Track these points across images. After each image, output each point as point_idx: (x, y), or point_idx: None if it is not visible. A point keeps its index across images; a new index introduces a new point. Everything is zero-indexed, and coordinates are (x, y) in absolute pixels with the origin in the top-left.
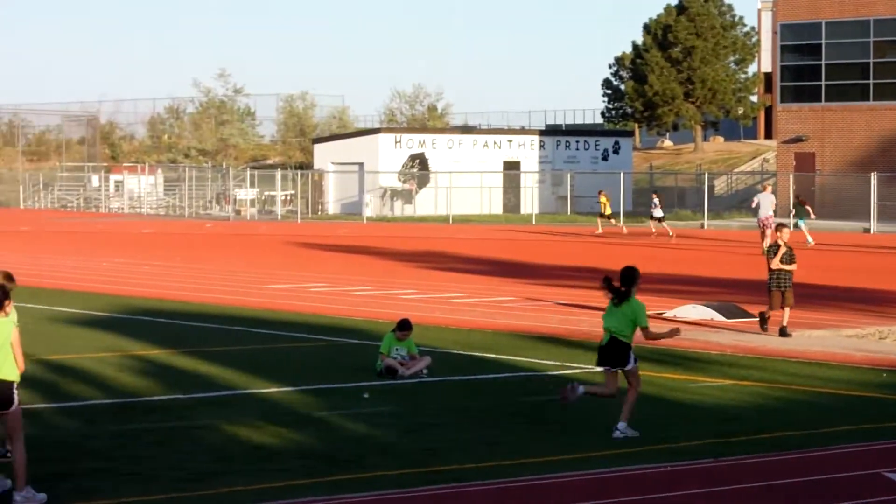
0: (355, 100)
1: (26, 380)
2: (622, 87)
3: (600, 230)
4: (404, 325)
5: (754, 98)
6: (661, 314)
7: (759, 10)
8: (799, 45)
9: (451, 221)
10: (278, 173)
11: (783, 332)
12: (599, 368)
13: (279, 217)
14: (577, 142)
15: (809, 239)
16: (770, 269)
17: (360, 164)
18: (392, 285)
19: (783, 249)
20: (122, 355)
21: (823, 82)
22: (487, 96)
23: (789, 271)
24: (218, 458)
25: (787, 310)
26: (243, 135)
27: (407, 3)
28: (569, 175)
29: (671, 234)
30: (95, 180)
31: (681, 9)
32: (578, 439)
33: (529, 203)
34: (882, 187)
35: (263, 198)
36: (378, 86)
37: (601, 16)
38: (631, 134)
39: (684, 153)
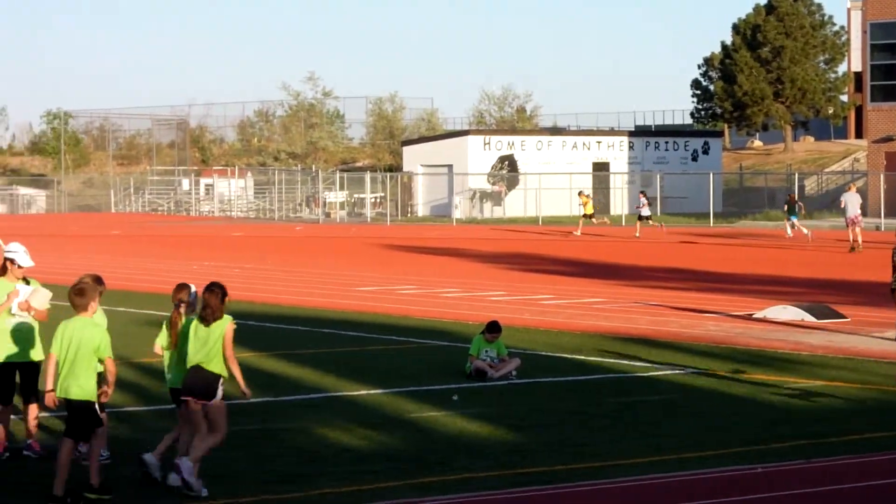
0: (444, 102)
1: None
2: (711, 87)
3: (579, 232)
4: (494, 327)
5: (844, 97)
6: (751, 315)
7: (849, 9)
8: (889, 43)
9: (540, 223)
10: (367, 176)
11: None
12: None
13: (369, 219)
14: (667, 142)
15: (803, 232)
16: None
17: (450, 167)
18: (481, 287)
19: None
20: None
21: None
22: (576, 98)
23: None
24: (307, 461)
25: None
26: (332, 138)
27: (496, 4)
28: (658, 176)
29: (663, 228)
30: (186, 184)
31: (770, 8)
32: (668, 441)
33: (619, 204)
34: None
35: (353, 200)
36: (467, 88)
37: (690, 16)
38: (720, 134)
39: (774, 153)
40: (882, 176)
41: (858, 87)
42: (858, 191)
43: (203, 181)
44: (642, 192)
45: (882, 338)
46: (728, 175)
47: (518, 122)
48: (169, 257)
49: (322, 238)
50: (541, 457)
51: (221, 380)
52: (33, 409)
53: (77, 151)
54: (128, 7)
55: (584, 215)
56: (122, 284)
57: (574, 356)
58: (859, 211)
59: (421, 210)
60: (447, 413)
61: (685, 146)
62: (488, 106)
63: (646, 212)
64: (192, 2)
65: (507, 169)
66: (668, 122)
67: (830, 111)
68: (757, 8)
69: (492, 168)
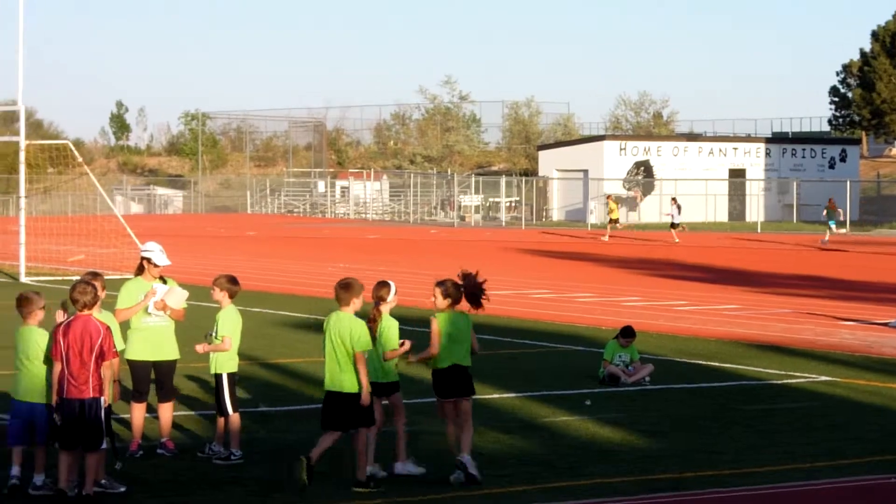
0: (580, 107)
1: (251, 382)
2: (849, 94)
3: (607, 237)
4: (628, 332)
5: None
6: (887, 323)
7: None
8: None
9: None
10: (503, 180)
11: None
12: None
13: (503, 223)
14: (804, 150)
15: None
16: None
17: (585, 171)
18: (616, 292)
19: None
20: None
21: None
22: (713, 104)
23: None
24: (440, 463)
25: None
26: (469, 141)
27: (635, 9)
28: (795, 183)
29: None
30: (321, 186)
31: None
32: (800, 449)
33: (755, 211)
34: None
35: (488, 204)
36: (603, 93)
37: (828, 23)
38: (858, 142)
39: None
40: None
41: None
42: None
43: (339, 183)
44: (674, 200)
45: None
46: (866, 183)
47: (654, 128)
48: (304, 259)
49: (457, 241)
50: (671, 463)
51: None
52: (168, 408)
53: (214, 152)
54: (265, 10)
55: (611, 220)
56: (258, 286)
57: (707, 363)
58: None
59: (556, 214)
60: (580, 418)
61: (822, 153)
62: (625, 111)
63: (678, 219)
64: (330, 5)
65: (643, 174)
66: (806, 129)
67: None
68: None
69: (627, 173)
